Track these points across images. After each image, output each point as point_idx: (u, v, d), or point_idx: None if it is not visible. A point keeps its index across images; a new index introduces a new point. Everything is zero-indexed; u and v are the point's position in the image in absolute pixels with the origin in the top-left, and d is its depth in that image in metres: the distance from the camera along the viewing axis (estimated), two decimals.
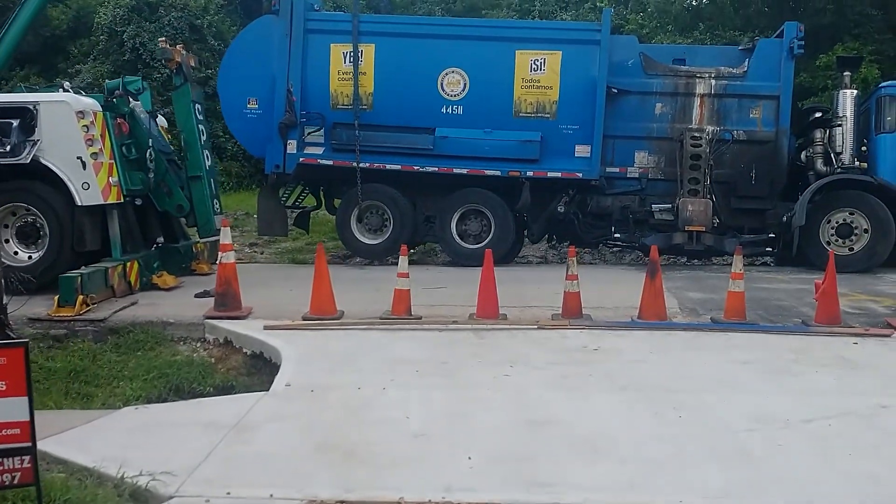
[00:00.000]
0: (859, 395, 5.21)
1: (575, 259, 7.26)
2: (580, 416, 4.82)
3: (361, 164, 11.27)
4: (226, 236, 7.45)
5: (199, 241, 10.47)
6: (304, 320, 7.23)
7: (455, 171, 11.29)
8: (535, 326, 6.99)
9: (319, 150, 11.51)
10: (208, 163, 10.02)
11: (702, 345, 6.49)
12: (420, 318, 7.30)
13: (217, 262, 7.34)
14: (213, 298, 7.58)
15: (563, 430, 4.58)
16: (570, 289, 7.19)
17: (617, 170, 11.76)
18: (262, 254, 13.22)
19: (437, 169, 11.29)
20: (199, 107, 10.06)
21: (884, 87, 11.64)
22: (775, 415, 4.80)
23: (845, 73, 11.87)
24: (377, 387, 5.36)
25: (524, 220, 11.86)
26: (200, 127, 9.92)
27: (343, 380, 5.53)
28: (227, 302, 7.37)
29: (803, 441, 4.39)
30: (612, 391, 5.30)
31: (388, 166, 11.35)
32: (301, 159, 11.41)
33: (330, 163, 11.45)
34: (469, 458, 4.15)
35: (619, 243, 12.27)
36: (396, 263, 7.63)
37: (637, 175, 11.76)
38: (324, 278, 7.35)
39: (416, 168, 11.30)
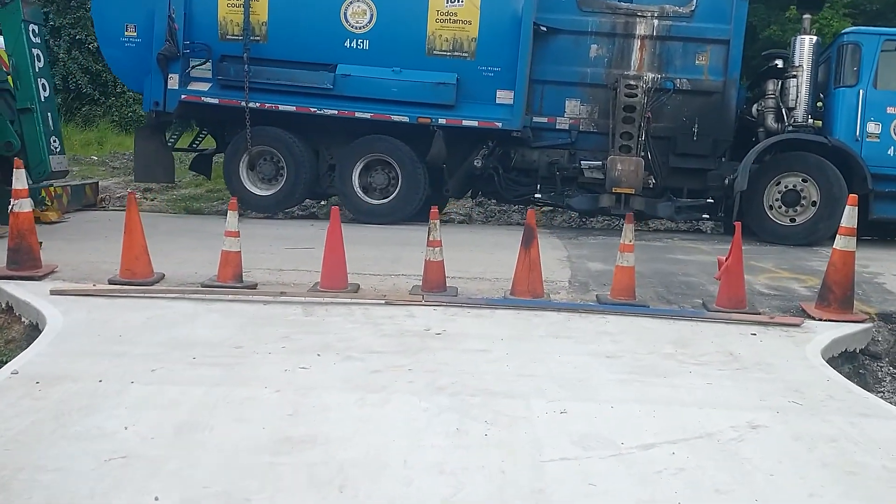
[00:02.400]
0: (730, 408, 4.05)
1: (438, 222, 6.00)
2: (357, 432, 3.63)
3: (251, 104, 9.94)
4: (19, 180, 6.16)
5: (52, 185, 9.16)
6: (111, 284, 6.00)
7: (357, 115, 9.99)
8: (383, 301, 5.79)
9: (205, 87, 10.16)
10: (44, 94, 8.65)
11: (569, 331, 5.30)
12: (253, 286, 6.10)
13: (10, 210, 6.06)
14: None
15: (317, 455, 3.40)
16: (432, 257, 5.98)
17: (545, 120, 10.50)
18: (151, 200, 11.91)
19: (336, 112, 9.99)
20: (36, 28, 8.66)
21: (846, 33, 10.31)
22: (610, 435, 3.64)
23: (804, 16, 10.53)
24: (125, 380, 4.17)
25: (441, 174, 10.60)
26: (36, 52, 8.53)
27: (89, 368, 4.33)
28: (20, 259, 6.13)
29: (624, 481, 3.22)
30: (424, 394, 4.12)
31: (280, 107, 10.03)
32: (183, 96, 10.07)
33: (216, 101, 10.12)
34: (156, 498, 2.98)
35: (545, 203, 11.02)
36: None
37: (567, 126, 10.51)
38: (134, 234, 6.11)
39: (312, 110, 9.98)
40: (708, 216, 10.51)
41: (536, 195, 10.42)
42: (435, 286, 5.94)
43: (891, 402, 5.34)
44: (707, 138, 10.28)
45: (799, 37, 10.33)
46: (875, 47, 9.88)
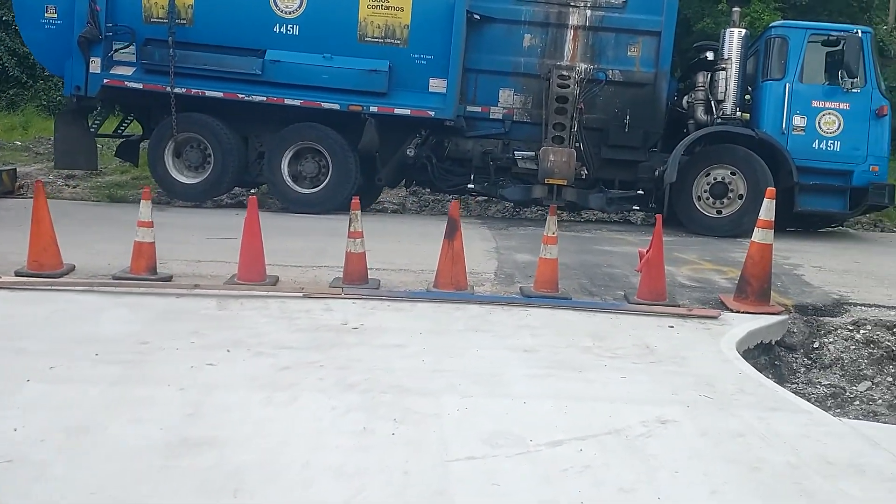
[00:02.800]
0: (642, 402, 4.04)
1: (359, 213, 5.88)
2: (258, 433, 3.50)
3: (177, 89, 9.63)
4: None
5: None
6: (17, 276, 5.73)
7: (287, 101, 9.77)
8: (301, 294, 5.64)
9: (129, 71, 9.82)
10: None
11: (490, 324, 5.25)
12: (168, 278, 5.89)
13: None
14: None
15: (213, 458, 3.26)
16: (353, 249, 5.85)
17: (479, 109, 10.44)
18: (74, 188, 11.49)
19: (265, 99, 9.75)
20: None
21: (774, 27, 10.49)
22: (520, 432, 3.59)
23: (734, 9, 10.65)
24: (21, 378, 3.95)
25: (374, 163, 10.44)
26: None
27: None
28: None
29: (528, 480, 3.17)
30: (333, 392, 4.00)
31: (207, 93, 9.75)
32: (105, 81, 9.71)
33: (140, 86, 9.80)
34: None
35: (479, 193, 10.96)
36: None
37: (501, 116, 10.47)
38: (42, 224, 5.85)
39: (240, 96, 9.73)
40: (638, 207, 10.57)
41: (469, 185, 10.34)
42: (356, 278, 5.82)
43: (804, 394, 5.44)
44: (638, 130, 10.35)
45: (728, 29, 10.45)
46: (801, 41, 10.06)
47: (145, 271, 5.79)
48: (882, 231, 11.80)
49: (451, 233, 5.79)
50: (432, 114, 9.87)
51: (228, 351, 4.51)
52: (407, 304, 5.58)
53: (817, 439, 3.71)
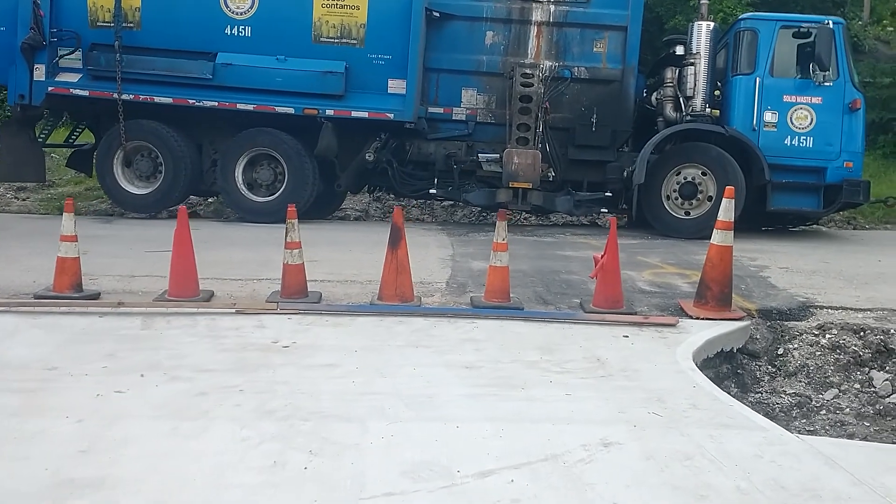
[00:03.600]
0: (585, 422, 3.73)
1: (296, 221, 5.54)
2: (156, 471, 3.15)
3: (124, 96, 9.26)
4: None
5: None
6: None
7: (239, 106, 9.43)
8: (233, 311, 5.30)
9: (75, 78, 9.46)
10: None
11: (432, 339, 4.92)
12: (95, 295, 5.53)
13: None
14: None
15: (99, 502, 2.93)
16: (290, 261, 5.51)
17: (441, 110, 10.12)
18: (24, 200, 11.09)
19: (216, 104, 9.40)
20: None
21: (743, 19, 10.18)
22: (448, 462, 3.26)
23: (702, 1, 10.35)
24: None
25: (334, 168, 10.09)
26: None
27: None
28: None
29: None
30: (248, 420, 3.66)
31: (156, 98, 9.39)
32: (50, 88, 9.36)
33: (86, 93, 9.43)
34: None
35: (442, 197, 10.62)
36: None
37: (464, 117, 10.14)
38: None
39: (190, 101, 9.37)
40: (606, 210, 10.27)
41: (431, 190, 10.01)
42: (294, 292, 5.48)
43: (768, 403, 5.16)
44: (606, 129, 10.04)
45: (696, 23, 10.15)
46: (771, 33, 9.77)
47: (69, 289, 5.43)
48: (854, 229, 11.54)
49: (395, 241, 5.46)
50: (391, 116, 9.53)
51: (142, 376, 4.16)
52: (346, 318, 5.25)
53: (771, 460, 3.41)
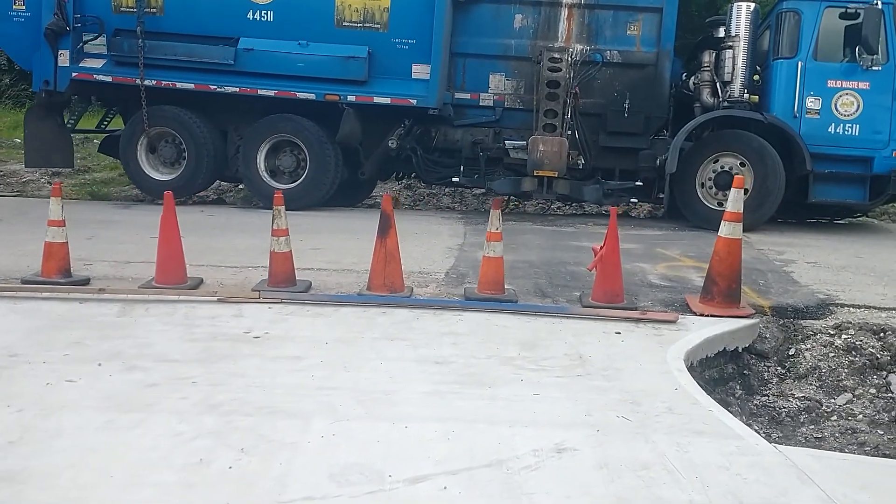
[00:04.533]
0: (545, 425, 3.48)
1: (283, 208, 5.39)
2: (74, 466, 3.02)
3: (147, 82, 9.26)
4: None
5: None
6: None
7: (260, 92, 9.32)
8: (215, 299, 5.19)
9: (99, 64, 9.47)
10: None
11: (411, 331, 4.71)
12: (85, 281, 5.50)
13: None
14: None
15: (6, 497, 2.83)
16: (277, 248, 5.37)
17: (468, 96, 9.83)
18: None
19: (238, 89, 9.32)
20: None
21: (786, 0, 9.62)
22: (381, 465, 3.07)
23: None
24: None
25: (358, 155, 9.94)
26: None
27: None
28: None
29: None
30: (189, 414, 3.53)
31: (178, 84, 9.36)
32: (74, 74, 9.38)
33: (109, 79, 9.45)
34: None
35: (469, 185, 10.35)
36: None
37: (491, 103, 9.84)
38: None
39: (212, 87, 9.32)
40: (636, 199, 9.87)
41: (455, 178, 9.77)
42: (281, 281, 5.34)
43: (775, 407, 4.82)
44: (639, 115, 9.62)
45: (735, 3, 9.63)
46: (816, 14, 9.20)
47: (57, 274, 5.41)
48: None
49: (384, 230, 5.27)
50: (414, 102, 9.31)
51: (100, 365, 4.07)
52: (329, 308, 5.09)
53: (737, 472, 3.11)
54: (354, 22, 9.30)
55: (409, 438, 3.34)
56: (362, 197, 11.05)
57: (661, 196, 9.71)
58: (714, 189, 9.19)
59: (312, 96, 9.28)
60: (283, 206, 5.36)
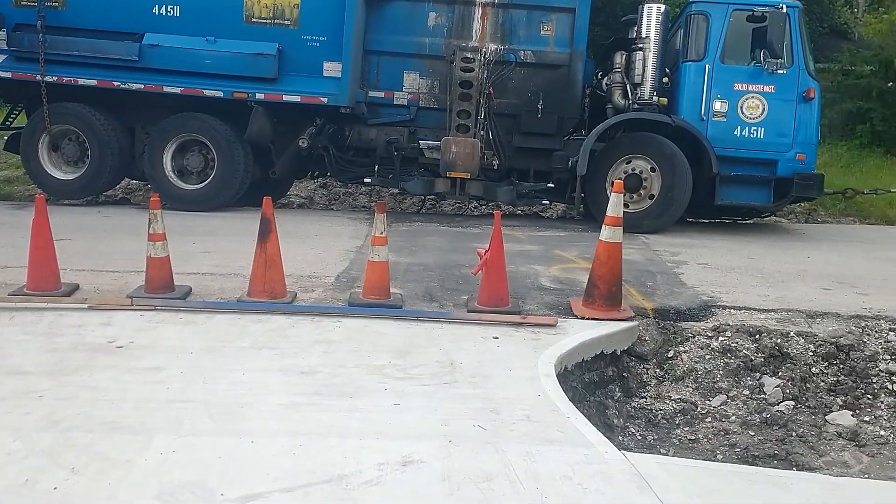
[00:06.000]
0: (397, 437, 3.42)
1: (159, 212, 5.23)
2: None
3: (48, 78, 8.96)
4: None
5: None
6: None
7: (166, 89, 9.09)
8: (86, 307, 5.01)
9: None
10: None
11: (283, 340, 4.61)
12: None
13: None
14: None
15: None
16: (153, 253, 5.21)
17: (382, 94, 9.74)
18: None
19: (143, 86, 9.07)
20: None
21: (695, 2, 9.69)
22: (216, 483, 2.97)
23: None
24: None
25: (270, 154, 9.77)
26: None
27: None
28: None
29: None
30: (29, 431, 3.37)
31: (80, 81, 9.08)
32: None
33: (8, 75, 9.11)
34: None
35: (380, 186, 10.26)
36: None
37: (406, 102, 9.75)
38: None
39: (115, 84, 9.06)
40: (549, 201, 9.90)
41: (367, 179, 9.67)
42: (158, 287, 5.19)
43: (652, 409, 4.85)
44: (553, 116, 9.64)
45: (646, 5, 9.71)
46: (723, 18, 9.32)
47: None
48: (806, 223, 11.12)
49: (264, 234, 5.16)
50: (326, 100, 9.18)
51: None
52: (203, 315, 4.95)
53: (579, 482, 3.10)
54: (264, 18, 9.13)
55: (252, 454, 3.25)
56: (277, 196, 10.86)
57: (572, 197, 9.77)
58: (624, 190, 9.23)
59: (220, 94, 9.09)
60: (160, 211, 5.19)
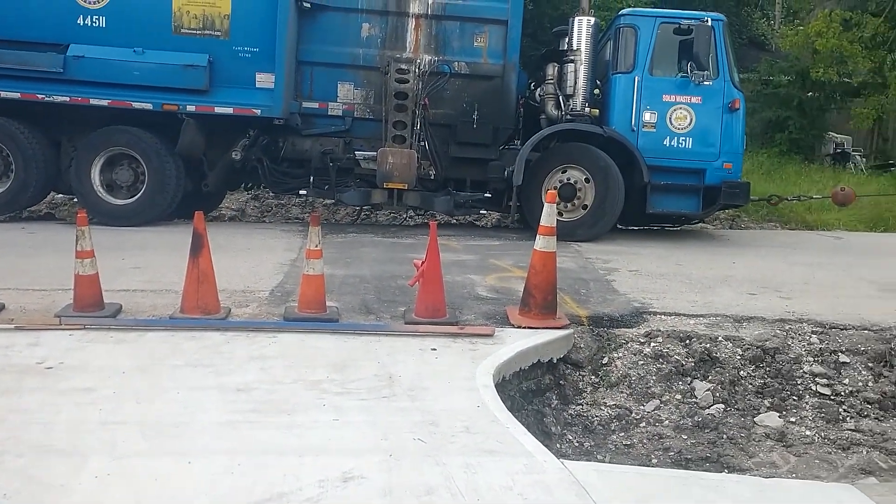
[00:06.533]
0: (337, 453, 3.40)
1: (87, 228, 5.09)
2: None
3: None
4: None
5: None
6: None
7: (93, 101, 8.87)
8: (12, 327, 4.85)
9: None
10: None
11: (219, 356, 4.54)
12: None
13: None
14: None
15: None
16: (81, 271, 5.06)
17: (316, 105, 9.69)
18: None
19: (67, 99, 8.83)
20: None
21: (623, 15, 9.98)
22: None
23: None
24: None
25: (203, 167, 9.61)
26: None
27: None
28: None
29: None
30: None
31: (3, 93, 8.78)
32: None
33: None
34: None
35: (317, 196, 10.21)
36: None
37: (341, 113, 9.72)
38: None
39: (39, 97, 8.80)
40: (486, 210, 9.99)
41: (302, 191, 9.61)
42: (87, 305, 5.05)
43: (588, 416, 4.94)
44: (488, 126, 9.73)
45: (577, 18, 9.93)
46: (651, 31, 9.58)
47: None
48: (731, 228, 11.50)
49: (196, 249, 5.07)
50: (259, 112, 9.09)
51: None
52: (135, 334, 4.84)
53: (519, 492, 3.14)
54: (193, 29, 9.00)
55: (190, 475, 3.20)
56: (210, 209, 10.71)
57: (514, 205, 9.88)
58: (558, 199, 9.39)
59: (149, 106, 8.91)
60: (88, 227, 5.06)
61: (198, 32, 9.00)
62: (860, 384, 5.15)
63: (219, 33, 9.04)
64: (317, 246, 5.15)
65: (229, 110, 9.05)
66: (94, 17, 8.87)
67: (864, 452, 4.66)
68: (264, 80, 9.15)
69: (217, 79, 9.05)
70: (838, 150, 18.83)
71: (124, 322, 4.97)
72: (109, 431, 3.55)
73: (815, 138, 18.42)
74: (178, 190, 9.21)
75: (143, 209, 9.06)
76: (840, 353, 5.32)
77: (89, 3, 8.84)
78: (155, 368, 4.32)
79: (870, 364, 5.27)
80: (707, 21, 9.50)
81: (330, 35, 9.55)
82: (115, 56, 8.83)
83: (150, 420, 3.69)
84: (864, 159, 19.10)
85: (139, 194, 9.12)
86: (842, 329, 5.53)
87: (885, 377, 5.21)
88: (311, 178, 9.70)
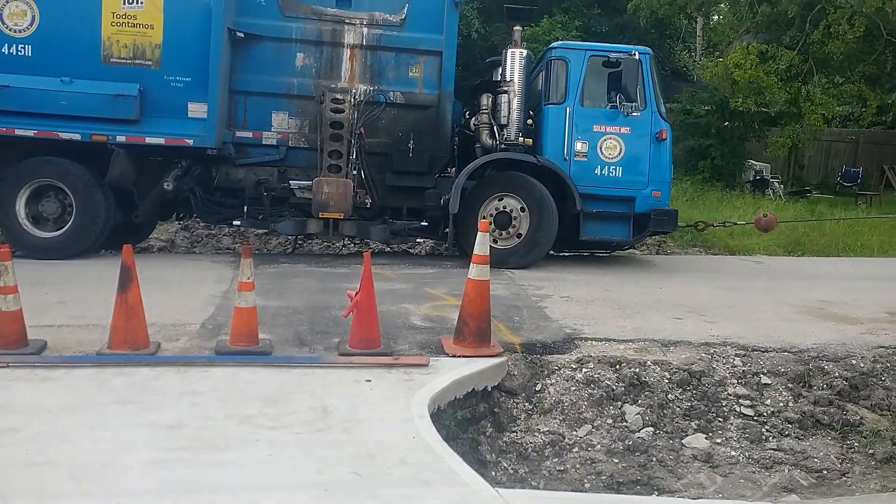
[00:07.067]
0: (271, 489, 3.40)
1: (10, 263, 4.97)
2: None
3: None
4: None
5: None
6: None
7: (17, 132, 8.63)
8: None
9: None
10: None
11: (147, 393, 4.47)
12: None
13: None
14: None
15: None
16: (4, 307, 4.92)
17: (250, 135, 9.61)
18: None
19: None
20: None
21: (554, 48, 10.23)
22: None
23: (515, 28, 10.33)
24: None
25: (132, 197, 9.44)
26: None
27: None
28: None
29: None
30: None
31: None
32: None
33: None
34: None
35: (251, 226, 10.12)
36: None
37: (275, 142, 9.68)
38: None
39: None
40: (423, 238, 10.06)
41: (235, 221, 9.52)
42: (10, 342, 4.91)
43: (522, 443, 5.01)
44: (423, 154, 9.82)
45: (510, 50, 10.13)
46: (581, 63, 9.84)
47: None
48: (657, 254, 11.83)
49: (125, 283, 4.99)
50: (191, 142, 8.97)
51: None
52: (62, 371, 4.73)
53: None
54: (123, 58, 8.86)
55: None
56: (140, 239, 10.51)
57: (445, 233, 9.97)
58: (493, 227, 9.53)
59: (78, 136, 8.72)
60: (11, 262, 4.93)
61: (128, 62, 8.87)
62: (781, 404, 5.35)
63: (150, 62, 8.92)
64: (248, 278, 5.12)
65: (161, 140, 8.92)
66: (20, 45, 8.66)
67: (786, 471, 4.84)
68: (197, 109, 9.04)
69: (148, 108, 8.91)
70: (758, 177, 19.57)
71: (50, 359, 4.85)
72: (36, 473, 3.47)
73: (736, 166, 19.13)
74: (108, 222, 9.02)
75: (71, 242, 8.85)
76: (762, 375, 5.53)
77: (14, 31, 8.64)
78: (82, 407, 4.23)
79: (790, 385, 5.48)
80: (635, 54, 9.82)
81: (264, 64, 9.52)
82: (42, 85, 8.62)
83: (77, 460, 3.61)
84: (782, 186, 19.90)
85: (66, 227, 8.89)
86: (763, 351, 5.75)
87: (804, 397, 5.43)
88: (245, 207, 9.60)
